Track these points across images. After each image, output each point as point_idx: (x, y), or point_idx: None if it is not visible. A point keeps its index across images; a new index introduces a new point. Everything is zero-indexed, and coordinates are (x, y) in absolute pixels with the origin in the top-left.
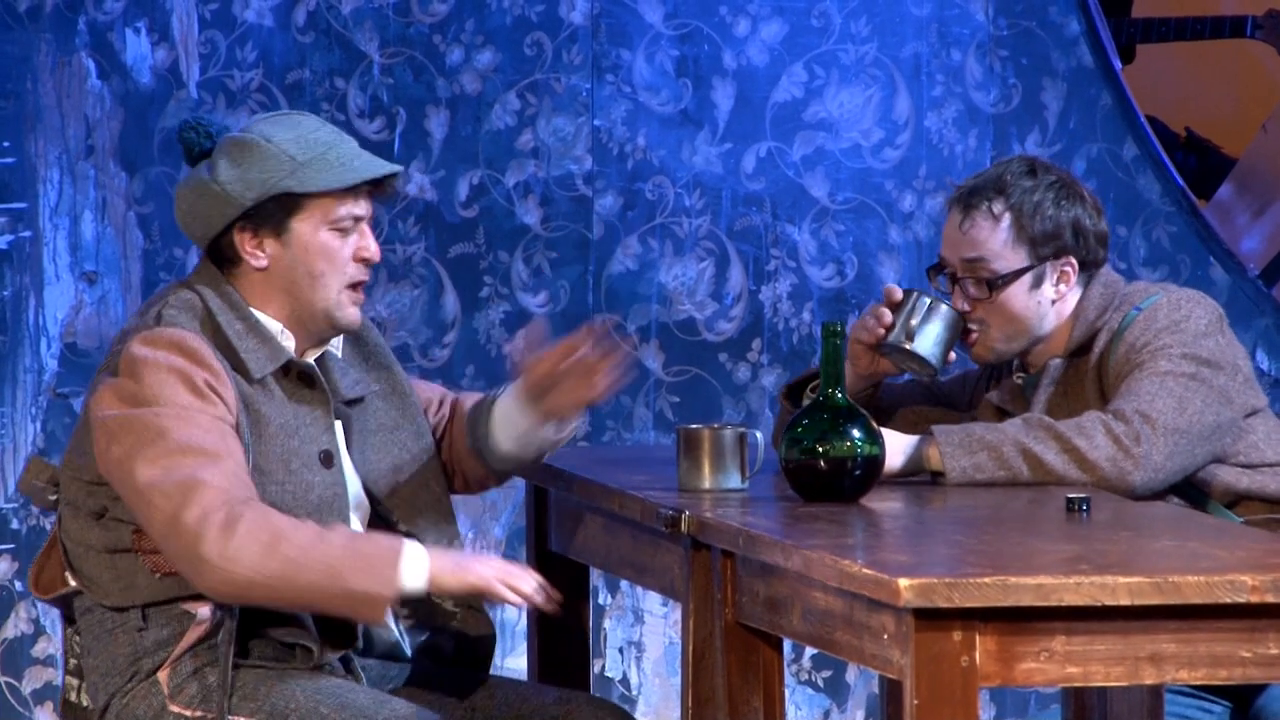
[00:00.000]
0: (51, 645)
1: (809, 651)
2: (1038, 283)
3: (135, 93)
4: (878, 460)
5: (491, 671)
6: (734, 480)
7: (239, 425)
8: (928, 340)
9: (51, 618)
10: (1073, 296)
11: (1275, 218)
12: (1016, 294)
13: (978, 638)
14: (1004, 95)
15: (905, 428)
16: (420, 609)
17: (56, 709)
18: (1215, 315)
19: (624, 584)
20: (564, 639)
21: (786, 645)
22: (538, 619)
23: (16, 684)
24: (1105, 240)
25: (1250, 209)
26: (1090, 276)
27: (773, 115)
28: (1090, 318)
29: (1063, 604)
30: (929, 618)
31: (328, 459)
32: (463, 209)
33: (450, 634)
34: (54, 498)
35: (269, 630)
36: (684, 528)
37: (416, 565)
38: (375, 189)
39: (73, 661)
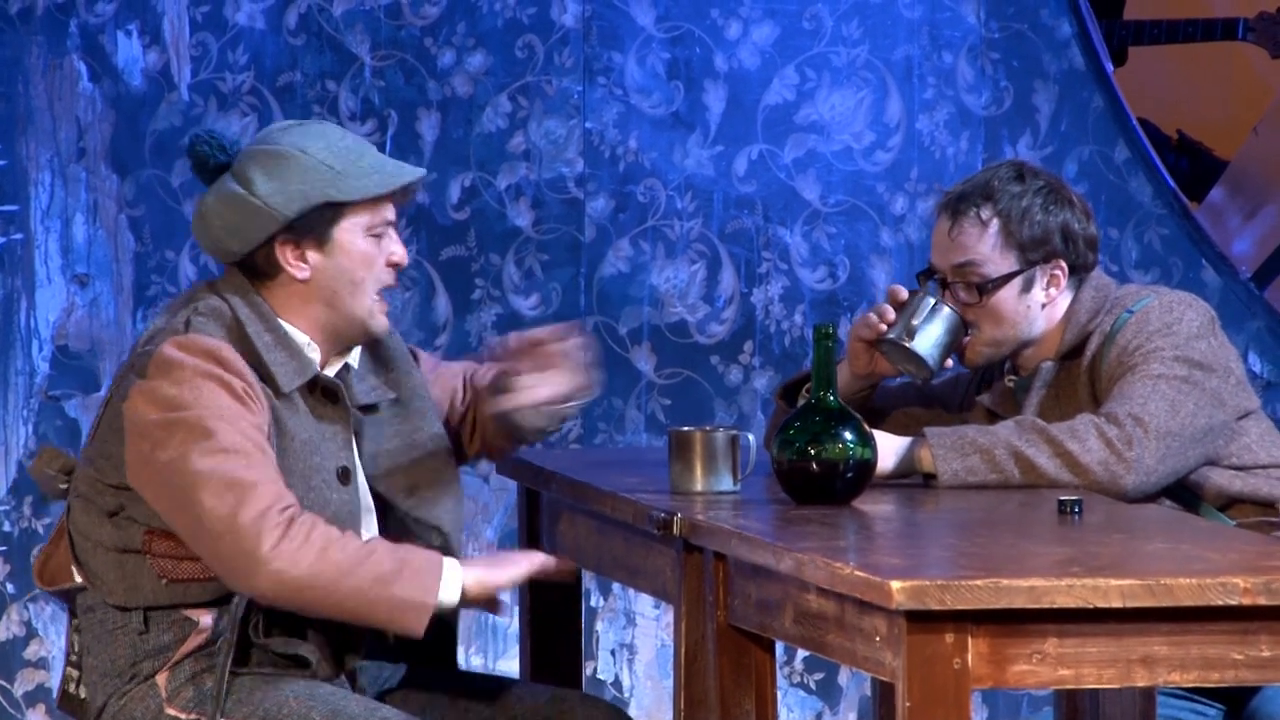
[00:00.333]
0: (44, 648)
1: (801, 654)
2: (1027, 287)
3: (127, 95)
4: (870, 463)
5: (483, 673)
6: (726, 483)
7: (269, 436)
8: (927, 340)
9: (43, 620)
10: (1063, 300)
11: (1267, 220)
12: (1006, 298)
13: (970, 640)
14: (995, 98)
15: (897, 429)
16: None
17: (49, 711)
18: (1207, 317)
19: (616, 586)
20: (556, 641)
21: (779, 648)
22: (530, 621)
23: (9, 686)
24: (1095, 244)
25: (1242, 211)
26: (1081, 280)
27: (764, 118)
28: (1082, 321)
29: (1055, 606)
30: (921, 620)
31: (345, 475)
32: (454, 211)
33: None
34: (64, 487)
35: (268, 641)
36: (676, 530)
37: (453, 575)
38: (398, 194)
39: (74, 655)
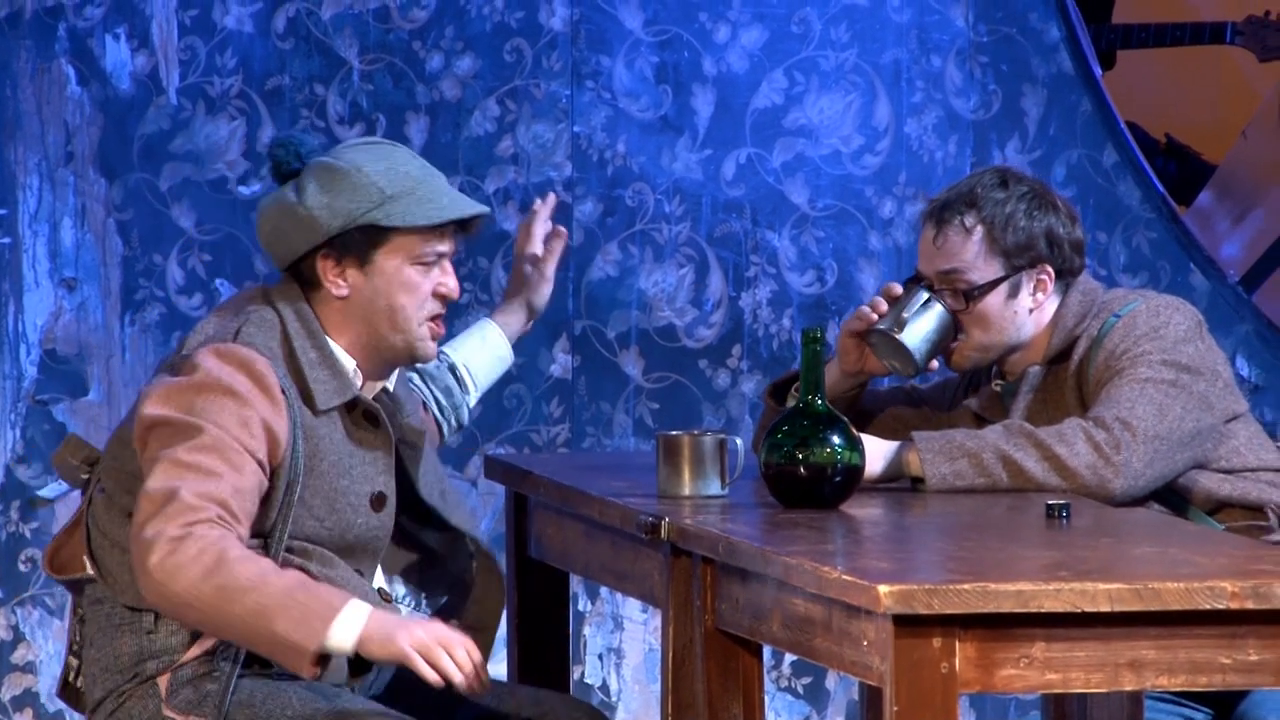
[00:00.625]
0: (31, 652)
1: (789, 658)
2: (1014, 292)
3: (115, 99)
4: (857, 467)
5: None
6: (714, 487)
7: (293, 458)
8: (916, 335)
9: (31, 625)
10: (1050, 305)
11: (1255, 224)
12: (993, 304)
13: (958, 644)
14: (984, 101)
15: (886, 431)
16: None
17: (36, 716)
18: (1194, 321)
19: (604, 590)
20: (544, 645)
21: (766, 652)
22: (518, 626)
23: None
24: (1081, 248)
25: (1230, 215)
26: (1068, 284)
27: (753, 121)
28: (1069, 325)
29: (1043, 610)
30: (909, 624)
31: (379, 501)
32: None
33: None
34: (85, 477)
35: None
36: (664, 534)
37: (350, 626)
38: (461, 227)
39: (75, 644)
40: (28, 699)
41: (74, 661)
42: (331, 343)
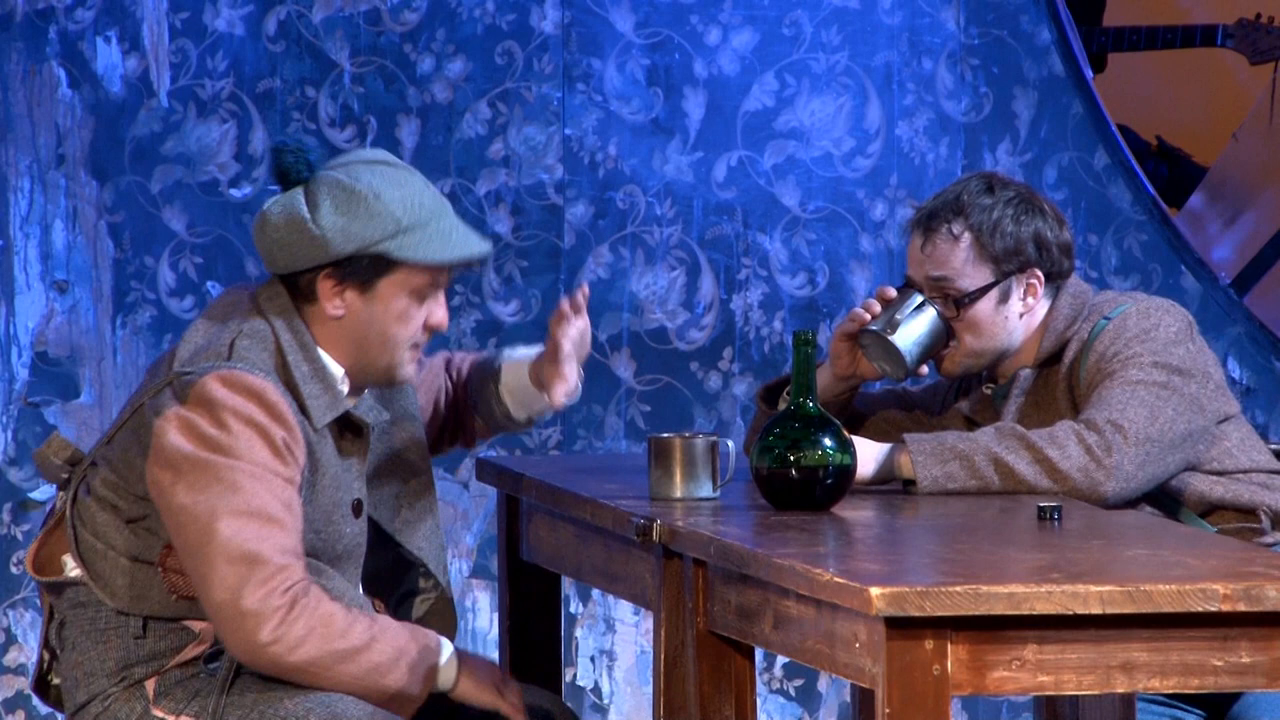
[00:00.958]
0: (23, 654)
1: (781, 660)
2: (1004, 298)
3: (106, 102)
4: (849, 469)
5: None
6: (706, 489)
7: (301, 476)
8: (908, 337)
9: (23, 626)
10: (1040, 308)
11: (1246, 226)
12: (984, 310)
13: (950, 646)
14: (975, 104)
15: (878, 434)
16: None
17: (29, 718)
18: (1185, 323)
19: (595, 593)
20: (535, 647)
21: (758, 654)
22: (510, 628)
23: None
24: (1070, 250)
25: (1221, 218)
26: (1058, 287)
27: (744, 124)
28: (1060, 328)
29: (1034, 613)
30: (901, 626)
31: (358, 508)
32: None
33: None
34: (65, 476)
35: None
36: (656, 536)
37: (448, 670)
38: (458, 264)
39: (52, 642)
40: (20, 700)
41: (48, 656)
42: (322, 354)
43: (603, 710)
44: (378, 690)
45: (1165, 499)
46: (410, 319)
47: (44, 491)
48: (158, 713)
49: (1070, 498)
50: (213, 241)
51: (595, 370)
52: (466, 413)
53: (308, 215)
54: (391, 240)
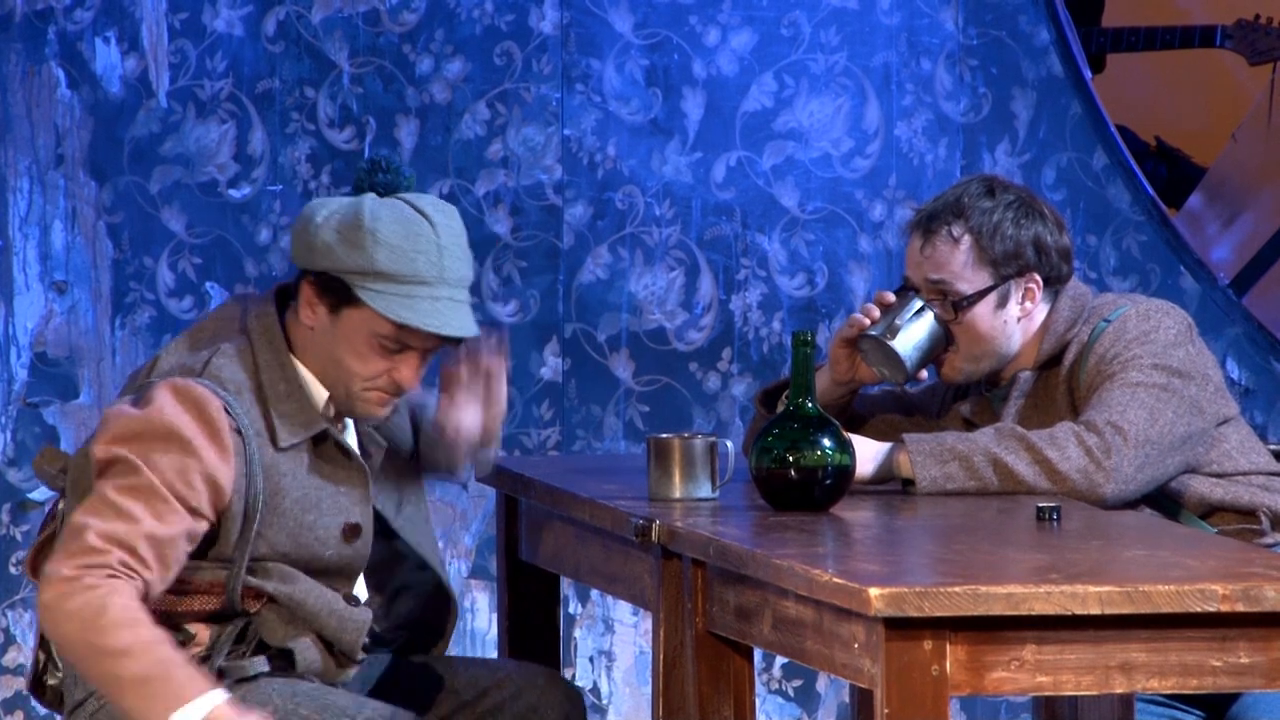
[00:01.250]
0: (22, 655)
1: (779, 660)
2: (1003, 302)
3: (105, 102)
4: (848, 469)
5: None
6: (704, 489)
7: (249, 496)
8: (907, 341)
9: (21, 627)
10: (1039, 313)
11: (1245, 227)
12: (982, 314)
13: (948, 647)
14: (974, 104)
15: (877, 437)
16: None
17: (27, 719)
18: (1184, 325)
19: (594, 593)
20: (534, 647)
21: (757, 654)
22: (508, 629)
23: None
24: (1069, 254)
25: (1220, 218)
26: (1056, 291)
27: (743, 124)
28: (1059, 330)
29: (1033, 613)
30: (899, 627)
31: (353, 531)
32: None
33: (409, 608)
34: (62, 485)
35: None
36: (654, 537)
37: (200, 712)
38: (428, 335)
39: (50, 642)
40: (19, 701)
41: (43, 656)
42: (303, 371)
43: (601, 710)
44: (118, 704)
45: (1165, 501)
46: (366, 360)
47: (43, 492)
48: None
49: (1069, 499)
50: (211, 242)
51: (594, 370)
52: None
53: (318, 220)
54: (359, 277)
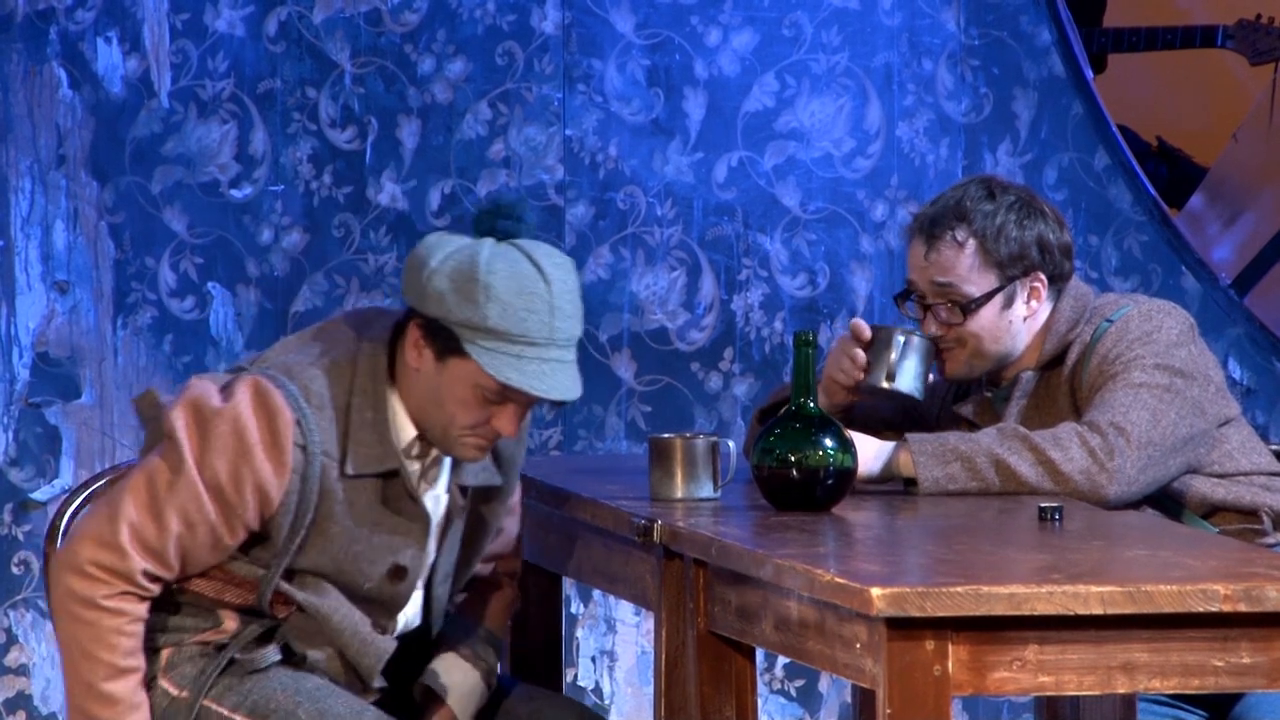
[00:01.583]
0: (24, 654)
1: (781, 660)
2: (1009, 302)
3: (107, 102)
4: (850, 469)
5: None
6: (706, 489)
7: (298, 509)
8: (908, 376)
9: (24, 627)
10: (1043, 312)
11: (1246, 227)
12: (989, 315)
13: (950, 647)
14: (975, 105)
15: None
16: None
17: (29, 718)
18: (1186, 325)
19: (596, 593)
20: (536, 648)
21: (759, 654)
22: (510, 629)
23: None
24: (1070, 252)
25: (1221, 218)
26: (1059, 290)
27: (744, 125)
28: (1061, 330)
29: (1035, 613)
30: (901, 627)
31: (398, 573)
32: (434, 218)
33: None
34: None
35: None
36: (656, 537)
37: None
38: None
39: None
40: (21, 701)
41: None
42: (396, 405)
43: (603, 711)
44: (69, 706)
45: (1167, 501)
46: (470, 408)
47: (44, 492)
48: (163, 682)
49: (1072, 499)
50: (213, 242)
51: (596, 370)
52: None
53: (433, 264)
54: (469, 331)
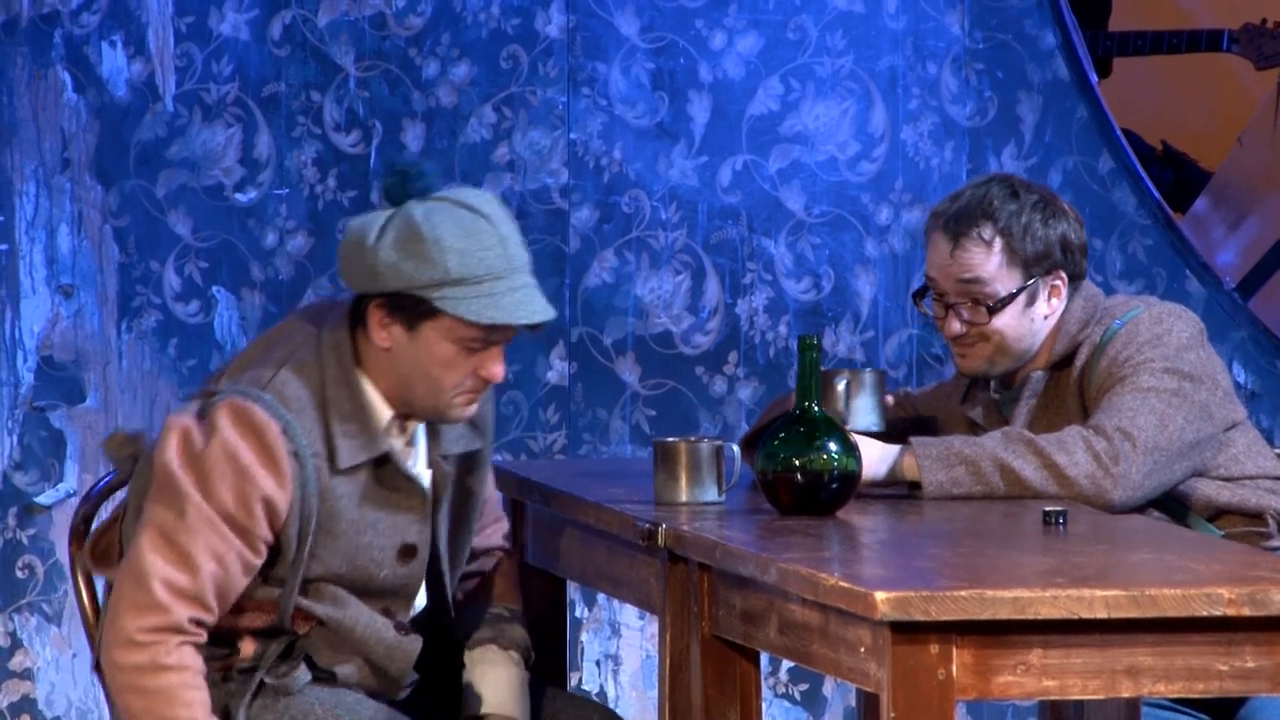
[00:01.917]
0: (28, 659)
1: (786, 664)
2: (1032, 301)
3: (111, 106)
4: (854, 474)
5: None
6: (711, 493)
7: (303, 516)
8: (863, 414)
9: (28, 631)
10: (1061, 309)
11: (1251, 231)
12: (1013, 314)
13: (954, 651)
14: (980, 108)
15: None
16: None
17: None
18: (1196, 329)
19: (601, 597)
20: (541, 651)
21: (763, 658)
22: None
23: None
24: (1086, 252)
25: (1226, 222)
26: (1075, 289)
27: (749, 128)
28: (1072, 331)
29: (1039, 617)
30: (906, 631)
31: (408, 552)
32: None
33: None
34: (130, 470)
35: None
36: (661, 541)
37: None
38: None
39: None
40: (25, 705)
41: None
42: (370, 389)
43: None
44: None
45: (1173, 504)
46: (455, 366)
47: (49, 496)
48: None
49: (1076, 503)
50: (218, 246)
51: (600, 374)
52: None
53: (372, 242)
54: (436, 289)
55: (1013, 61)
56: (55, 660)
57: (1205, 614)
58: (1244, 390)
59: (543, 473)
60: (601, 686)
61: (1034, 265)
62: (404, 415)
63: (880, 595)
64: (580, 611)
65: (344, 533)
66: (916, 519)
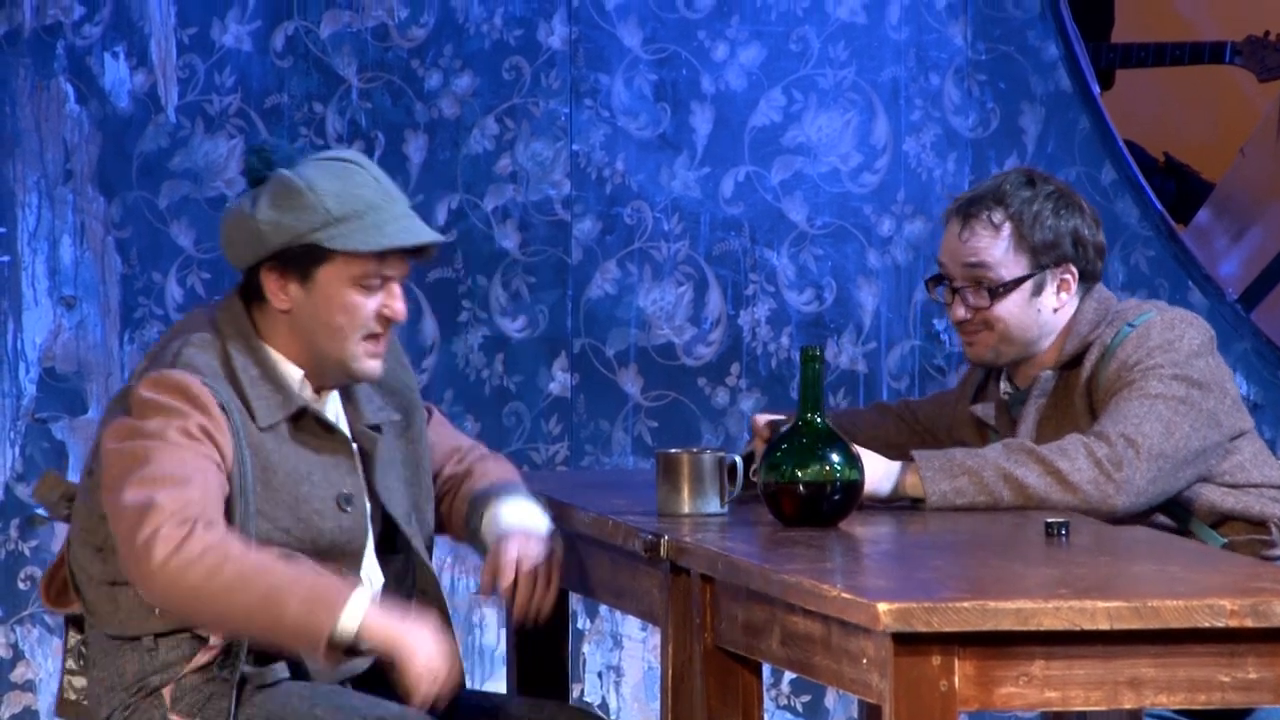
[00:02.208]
0: (30, 670)
1: (788, 676)
2: (1038, 290)
3: (114, 117)
4: (857, 484)
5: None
6: (713, 505)
7: (240, 471)
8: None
9: (30, 643)
10: (1070, 307)
11: (1253, 242)
12: (1017, 301)
13: (957, 662)
14: (982, 119)
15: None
16: None
17: None
18: (1207, 336)
19: (603, 608)
20: (543, 663)
21: (766, 670)
22: (517, 644)
23: None
24: (1102, 252)
25: (1228, 233)
26: (1088, 289)
27: (751, 139)
28: (1083, 331)
29: (1042, 628)
30: (908, 642)
31: (346, 501)
32: (441, 234)
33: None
34: (66, 512)
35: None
36: (663, 552)
37: (357, 608)
38: (413, 252)
39: (71, 663)
40: (27, 717)
41: (74, 682)
42: (275, 354)
43: None
44: (277, 621)
45: (1176, 509)
46: (356, 309)
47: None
48: (174, 717)
49: (1080, 512)
50: (220, 257)
51: (602, 385)
52: (458, 518)
53: (249, 210)
54: (322, 231)
55: (1015, 73)
56: (58, 671)
57: (1207, 625)
58: (1247, 402)
59: (545, 484)
60: (603, 698)
61: (1042, 254)
62: (317, 386)
63: (883, 606)
64: (582, 623)
65: (282, 484)
66: (919, 530)
